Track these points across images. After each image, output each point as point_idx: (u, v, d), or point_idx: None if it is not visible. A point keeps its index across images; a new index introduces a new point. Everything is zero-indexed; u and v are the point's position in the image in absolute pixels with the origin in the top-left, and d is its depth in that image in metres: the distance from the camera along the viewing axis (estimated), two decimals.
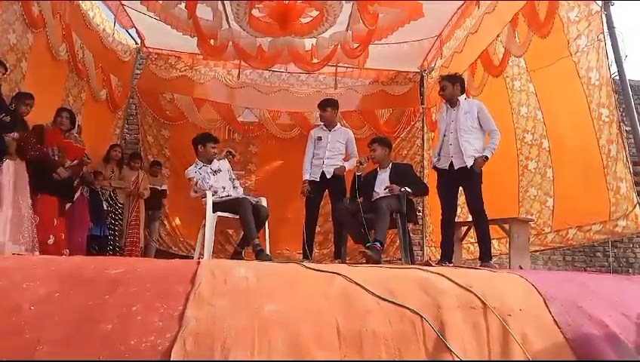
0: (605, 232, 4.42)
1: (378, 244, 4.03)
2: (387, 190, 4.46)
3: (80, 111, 5.84)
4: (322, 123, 5.14)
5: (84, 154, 5.15)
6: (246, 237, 4.32)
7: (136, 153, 6.71)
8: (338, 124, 5.22)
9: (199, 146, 4.64)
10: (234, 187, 4.74)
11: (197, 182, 4.47)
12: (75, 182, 5.08)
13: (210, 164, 4.62)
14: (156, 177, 6.74)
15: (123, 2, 6.13)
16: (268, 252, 4.33)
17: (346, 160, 5.04)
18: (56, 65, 5.32)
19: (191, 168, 4.59)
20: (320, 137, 5.05)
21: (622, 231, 4.29)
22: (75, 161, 4.88)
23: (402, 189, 4.38)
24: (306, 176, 4.97)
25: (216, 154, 4.66)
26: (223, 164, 4.75)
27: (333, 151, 4.97)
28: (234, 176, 4.86)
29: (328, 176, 4.88)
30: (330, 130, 5.05)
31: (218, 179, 4.58)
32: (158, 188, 6.67)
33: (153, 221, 6.72)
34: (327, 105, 5.06)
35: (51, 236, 4.57)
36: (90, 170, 5.56)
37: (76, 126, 5.10)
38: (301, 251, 5.00)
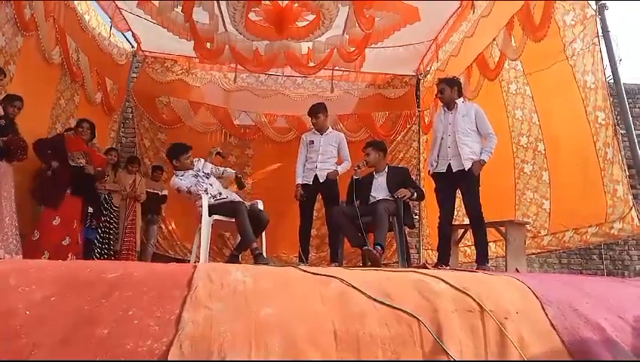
0: (601, 235, 4.45)
1: (379, 248, 4.04)
2: (397, 195, 4.44)
3: (73, 114, 5.84)
4: (315, 128, 5.15)
5: (106, 163, 5.54)
6: (243, 241, 4.32)
7: (134, 157, 6.70)
8: (330, 127, 5.23)
9: (174, 161, 4.61)
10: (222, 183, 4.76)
11: (187, 190, 4.44)
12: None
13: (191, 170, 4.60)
14: (157, 182, 6.74)
15: (119, 6, 6.13)
16: (265, 255, 4.33)
17: (338, 163, 5.05)
18: (48, 68, 5.30)
19: (175, 180, 4.52)
20: (312, 141, 5.06)
21: (618, 234, 4.32)
22: (99, 168, 5.18)
23: (411, 190, 4.42)
24: (299, 181, 4.98)
25: (192, 163, 4.61)
26: (207, 165, 4.72)
27: (325, 155, 4.97)
28: (218, 172, 4.80)
29: (321, 180, 4.89)
30: (322, 134, 5.06)
31: (206, 182, 4.58)
32: (159, 193, 6.66)
33: (152, 225, 6.71)
34: (319, 111, 5.04)
35: (67, 237, 4.69)
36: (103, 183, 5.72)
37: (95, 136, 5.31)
38: (297, 255, 5.00)
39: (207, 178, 4.59)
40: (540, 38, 4.75)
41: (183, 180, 4.47)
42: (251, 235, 4.13)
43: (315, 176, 4.90)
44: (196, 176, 4.53)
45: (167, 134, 7.41)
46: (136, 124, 7.45)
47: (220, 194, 4.57)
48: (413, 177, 7.42)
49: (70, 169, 4.79)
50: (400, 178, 4.64)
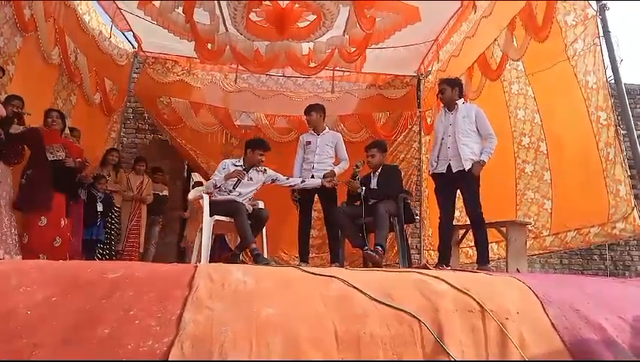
0: (604, 235, 4.45)
1: (380, 248, 4.04)
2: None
3: (69, 114, 5.81)
4: (311, 128, 5.17)
5: (83, 152, 5.17)
6: (242, 241, 4.33)
7: (141, 157, 6.71)
8: (326, 128, 5.24)
9: (248, 150, 4.64)
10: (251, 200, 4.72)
11: (215, 173, 4.53)
12: (80, 182, 5.13)
13: (249, 169, 4.59)
14: (157, 183, 6.75)
15: (120, 6, 6.14)
16: (265, 255, 4.34)
17: (335, 164, 5.06)
18: (47, 68, 5.29)
19: (227, 160, 4.66)
20: (309, 142, 5.07)
21: (619, 234, 4.32)
22: (78, 160, 4.91)
23: (360, 188, 4.50)
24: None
25: (262, 162, 4.63)
26: (259, 177, 4.70)
27: (322, 156, 4.98)
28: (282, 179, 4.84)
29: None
30: (318, 135, 5.08)
31: (243, 185, 4.53)
32: (159, 193, 6.68)
33: (153, 226, 6.71)
34: (312, 110, 5.08)
35: (58, 238, 4.56)
36: (91, 173, 5.56)
37: (67, 126, 5.07)
38: (298, 255, 5.01)
39: (248, 180, 4.57)
40: (543, 39, 4.75)
41: (227, 167, 4.55)
42: (250, 236, 4.14)
43: (312, 176, 4.91)
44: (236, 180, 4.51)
45: (167, 134, 7.40)
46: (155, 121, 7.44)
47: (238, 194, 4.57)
48: (414, 178, 7.47)
49: (49, 165, 4.52)
50: (391, 177, 4.66)
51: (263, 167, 4.71)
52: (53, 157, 4.60)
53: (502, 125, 5.45)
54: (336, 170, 4.96)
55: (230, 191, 4.44)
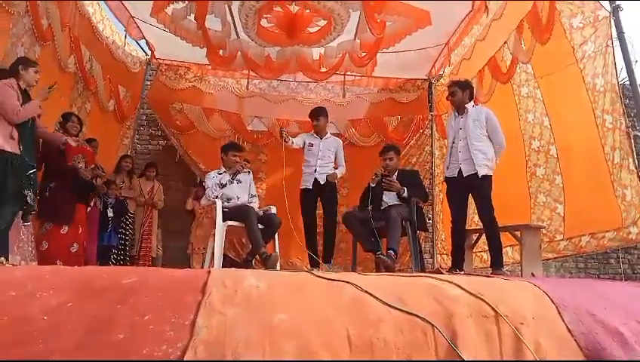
0: (619, 239, 4.39)
1: (392, 252, 4.03)
2: (385, 183, 4.47)
3: (84, 122, 5.87)
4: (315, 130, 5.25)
5: (94, 156, 5.25)
6: (252, 245, 4.35)
7: (151, 163, 6.76)
8: (328, 132, 5.34)
9: (222, 154, 4.80)
10: (250, 201, 4.77)
11: (208, 188, 4.59)
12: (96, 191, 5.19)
13: (230, 171, 4.69)
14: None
15: (133, 15, 6.21)
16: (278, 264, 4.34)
17: (334, 168, 5.16)
18: (63, 77, 5.35)
19: (211, 173, 4.75)
20: (312, 144, 5.15)
21: (635, 238, 4.26)
22: (92, 166, 4.98)
23: (402, 190, 4.43)
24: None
25: (238, 162, 4.74)
26: (246, 177, 4.83)
27: (324, 160, 5.10)
28: (254, 193, 4.93)
29: (322, 183, 4.97)
30: (321, 138, 5.14)
31: (233, 188, 4.62)
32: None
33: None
34: (320, 114, 5.17)
35: (75, 244, 4.62)
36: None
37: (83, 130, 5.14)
38: (311, 260, 5.01)
39: (232, 183, 4.65)
40: (545, 40, 4.75)
41: (214, 178, 4.63)
42: (260, 241, 4.17)
43: (315, 179, 4.97)
44: (216, 184, 4.56)
45: (182, 139, 7.45)
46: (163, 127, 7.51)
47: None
48: (426, 182, 7.42)
49: (69, 176, 4.56)
50: (409, 180, 4.63)
51: (247, 169, 4.91)
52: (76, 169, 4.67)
53: (512, 128, 5.42)
54: (338, 173, 5.10)
55: (229, 199, 4.54)
